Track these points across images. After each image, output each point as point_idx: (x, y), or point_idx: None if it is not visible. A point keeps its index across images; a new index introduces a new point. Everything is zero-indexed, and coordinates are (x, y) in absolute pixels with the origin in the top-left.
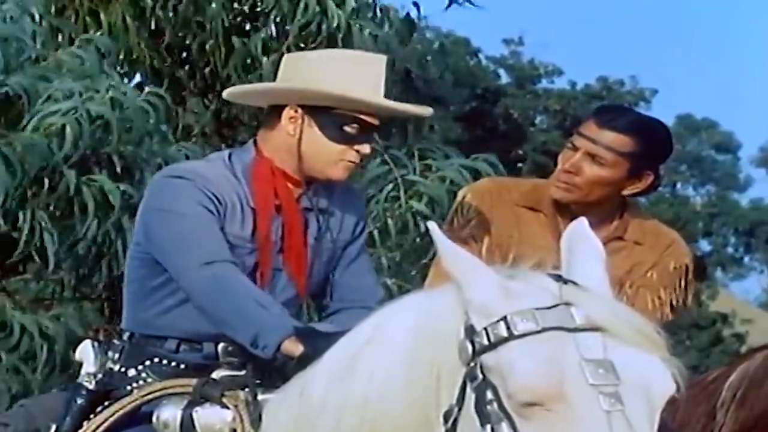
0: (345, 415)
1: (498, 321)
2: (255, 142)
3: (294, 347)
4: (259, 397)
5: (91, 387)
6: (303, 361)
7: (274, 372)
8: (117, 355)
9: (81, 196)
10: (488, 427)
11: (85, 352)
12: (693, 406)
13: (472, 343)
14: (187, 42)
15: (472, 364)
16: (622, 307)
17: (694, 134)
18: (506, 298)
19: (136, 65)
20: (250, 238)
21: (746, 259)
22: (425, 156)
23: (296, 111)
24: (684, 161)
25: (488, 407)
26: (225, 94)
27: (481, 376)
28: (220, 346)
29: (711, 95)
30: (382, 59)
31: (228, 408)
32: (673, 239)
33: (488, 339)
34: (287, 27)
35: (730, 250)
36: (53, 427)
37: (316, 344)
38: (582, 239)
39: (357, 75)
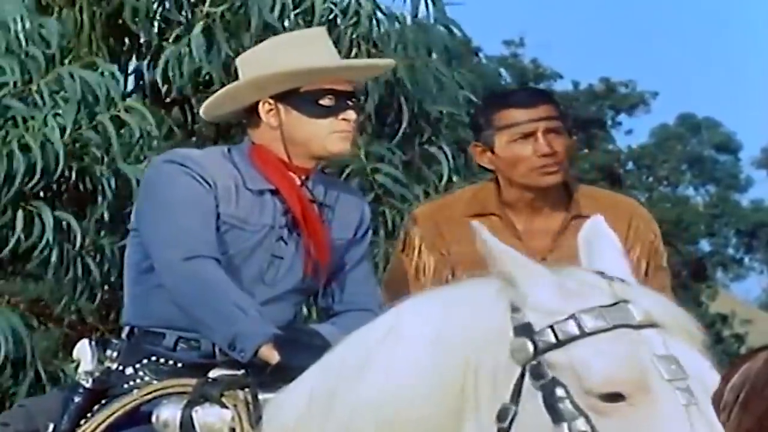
0: (357, 414)
1: (567, 319)
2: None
3: (271, 354)
4: (260, 396)
5: (88, 386)
6: (279, 369)
7: (274, 373)
8: (115, 354)
9: None
10: (564, 424)
11: (83, 351)
12: None
13: (533, 341)
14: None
15: (534, 362)
16: (669, 302)
17: (695, 134)
18: (567, 296)
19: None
20: (247, 218)
21: (746, 259)
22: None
23: (270, 103)
24: (685, 161)
25: (560, 405)
26: (201, 113)
27: (549, 375)
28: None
29: (713, 96)
30: (322, 29)
31: (227, 408)
32: (631, 204)
33: (556, 337)
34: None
35: (731, 250)
36: (51, 427)
37: (294, 353)
38: (599, 234)
39: (308, 48)
